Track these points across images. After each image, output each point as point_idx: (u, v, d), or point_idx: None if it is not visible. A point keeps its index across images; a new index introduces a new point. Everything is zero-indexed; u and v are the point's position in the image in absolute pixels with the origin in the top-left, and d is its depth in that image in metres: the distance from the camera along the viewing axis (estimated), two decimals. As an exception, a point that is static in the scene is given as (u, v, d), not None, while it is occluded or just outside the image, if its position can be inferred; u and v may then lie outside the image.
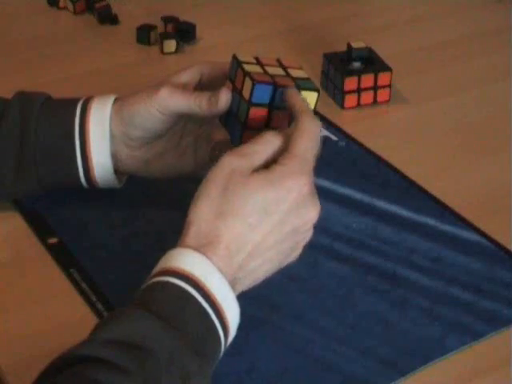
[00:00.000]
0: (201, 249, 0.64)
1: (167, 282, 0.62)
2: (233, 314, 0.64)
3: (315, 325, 0.73)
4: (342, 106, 1.05)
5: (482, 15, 1.31)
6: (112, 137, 0.79)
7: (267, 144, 0.68)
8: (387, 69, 1.05)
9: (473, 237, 0.84)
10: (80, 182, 0.81)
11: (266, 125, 0.73)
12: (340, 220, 0.85)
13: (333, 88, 1.06)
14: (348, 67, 1.05)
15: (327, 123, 1.01)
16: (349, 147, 0.98)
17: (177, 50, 1.17)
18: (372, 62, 1.06)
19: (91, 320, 0.72)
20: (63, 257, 0.80)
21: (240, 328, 0.65)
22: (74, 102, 0.81)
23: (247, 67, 0.73)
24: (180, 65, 1.11)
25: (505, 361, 0.71)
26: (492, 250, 0.83)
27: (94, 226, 0.84)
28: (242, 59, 0.75)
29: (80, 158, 0.80)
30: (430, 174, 0.93)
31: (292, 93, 0.71)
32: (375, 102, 1.05)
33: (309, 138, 0.68)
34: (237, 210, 0.65)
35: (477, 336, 0.73)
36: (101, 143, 0.79)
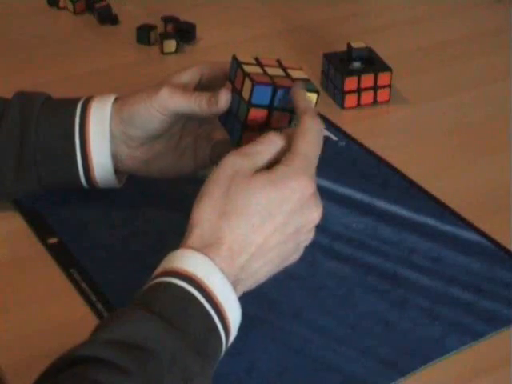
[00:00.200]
0: (204, 250, 0.64)
1: (169, 283, 0.62)
2: (234, 314, 0.64)
3: (315, 324, 0.73)
4: (342, 106, 1.05)
5: (482, 15, 1.31)
6: (112, 137, 0.79)
7: (270, 144, 0.68)
8: (387, 69, 1.05)
9: (473, 237, 0.84)
10: (80, 181, 0.81)
11: (266, 125, 0.73)
12: (340, 220, 0.85)
13: (333, 88, 1.06)
14: (348, 67, 1.05)
15: (327, 123, 1.01)
16: (349, 147, 0.98)
17: (177, 50, 1.17)
18: (372, 62, 1.06)
19: (91, 320, 0.72)
20: (63, 257, 0.80)
21: (240, 328, 0.65)
22: (74, 101, 0.81)
23: (247, 68, 0.73)
24: (180, 65, 1.12)
25: (505, 361, 0.71)
26: (492, 250, 0.83)
27: (94, 226, 0.84)
28: (242, 60, 0.75)
29: (80, 158, 0.80)
30: (430, 174, 0.93)
31: (296, 91, 0.71)
32: (375, 101, 1.05)
33: (311, 138, 0.68)
34: (240, 211, 0.65)
35: (477, 336, 0.73)
36: (101, 143, 0.79)
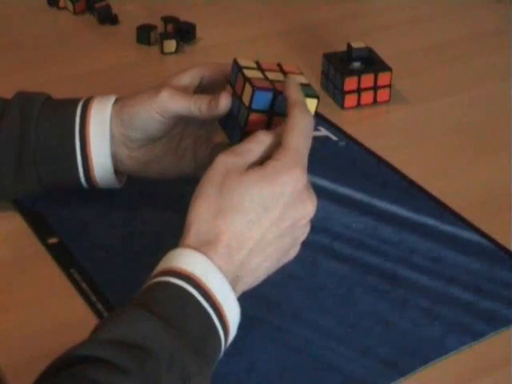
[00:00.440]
0: (201, 248, 0.64)
1: (168, 282, 0.62)
2: (233, 314, 0.64)
3: (315, 324, 0.73)
4: (342, 106, 1.05)
5: (481, 15, 1.31)
6: (112, 137, 0.79)
7: (260, 143, 0.68)
8: (387, 69, 1.05)
9: (473, 237, 0.84)
10: (80, 182, 0.81)
11: (266, 130, 0.73)
12: (340, 220, 0.85)
13: (333, 88, 1.06)
14: (348, 67, 1.05)
15: (327, 123, 1.01)
16: (349, 147, 0.98)
17: (177, 50, 1.17)
18: (372, 62, 1.06)
19: (91, 320, 0.72)
20: (63, 257, 0.80)
21: (239, 327, 0.65)
22: (75, 102, 0.81)
23: (247, 72, 0.73)
24: (180, 65, 1.12)
25: (505, 361, 0.71)
26: (492, 250, 0.82)
27: (94, 226, 0.84)
28: (243, 64, 0.74)
29: (80, 158, 0.80)
30: (430, 174, 0.93)
31: (289, 82, 0.71)
32: (375, 101, 1.05)
33: (301, 131, 0.68)
34: (235, 208, 0.65)
35: (477, 336, 0.73)
36: (101, 144, 0.79)
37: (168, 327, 0.60)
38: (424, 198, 0.89)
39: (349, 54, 1.06)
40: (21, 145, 0.80)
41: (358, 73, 1.04)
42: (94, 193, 0.84)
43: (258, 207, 0.65)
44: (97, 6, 1.24)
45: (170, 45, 1.16)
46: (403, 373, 0.69)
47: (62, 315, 0.74)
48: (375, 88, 1.05)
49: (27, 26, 1.24)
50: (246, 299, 0.66)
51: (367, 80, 1.04)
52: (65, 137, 0.80)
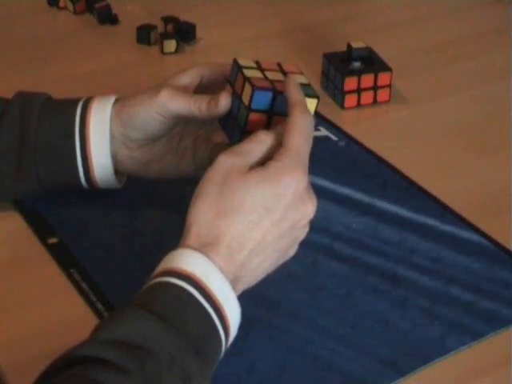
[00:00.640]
0: (202, 249, 0.64)
1: (168, 283, 0.62)
2: (234, 314, 0.64)
3: (315, 324, 0.73)
4: (342, 106, 1.05)
5: (481, 15, 1.31)
6: (112, 137, 0.79)
7: (261, 143, 0.68)
8: (387, 69, 1.05)
9: (473, 237, 0.84)
10: (80, 182, 0.81)
11: (265, 129, 0.73)
12: (340, 220, 0.85)
13: (333, 88, 1.06)
14: (348, 67, 1.05)
15: (327, 123, 1.01)
16: (349, 147, 0.98)
17: (177, 50, 1.17)
18: (372, 62, 1.06)
19: (91, 320, 0.72)
20: (63, 257, 0.80)
21: (239, 328, 0.65)
22: (75, 102, 0.81)
23: (247, 72, 0.73)
24: (180, 65, 1.12)
25: (505, 361, 0.71)
26: (492, 250, 0.82)
27: (94, 226, 0.84)
28: (243, 63, 0.74)
29: (80, 159, 0.80)
30: (430, 174, 0.93)
31: (289, 82, 0.71)
32: (375, 101, 1.05)
33: (301, 132, 0.68)
34: (236, 208, 0.65)
35: (477, 336, 0.73)
36: (101, 144, 0.79)
37: (169, 327, 0.60)
38: (424, 197, 0.89)
39: (349, 54, 1.06)
40: (21, 145, 0.80)
41: (358, 73, 1.04)
42: (94, 193, 0.84)
43: (259, 208, 0.65)
44: (97, 5, 1.24)
45: (170, 45, 1.16)
46: (403, 373, 0.69)
47: (62, 315, 0.74)
48: (375, 88, 1.05)
49: (27, 26, 1.24)
50: (246, 299, 0.66)
51: (367, 80, 1.04)
52: (65, 137, 0.79)
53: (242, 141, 0.72)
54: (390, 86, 1.05)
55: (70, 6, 1.27)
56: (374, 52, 1.07)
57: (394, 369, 0.70)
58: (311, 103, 0.72)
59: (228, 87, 0.75)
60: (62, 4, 1.28)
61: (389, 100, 1.06)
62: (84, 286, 0.76)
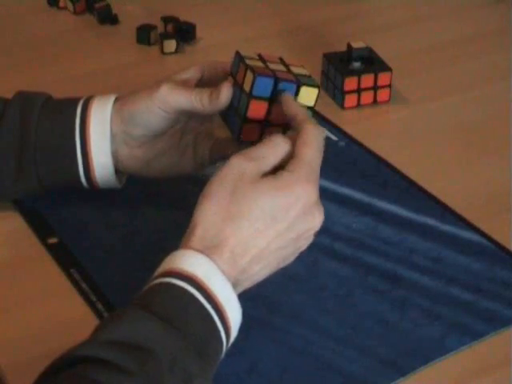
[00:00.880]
0: (206, 251, 0.64)
1: (169, 283, 0.62)
2: (235, 315, 0.64)
3: (315, 325, 0.73)
4: (342, 106, 1.05)
5: (481, 15, 1.31)
6: (112, 136, 0.79)
7: (275, 147, 0.68)
8: (387, 69, 1.05)
9: (473, 237, 0.84)
10: (80, 181, 0.81)
11: (266, 118, 0.73)
12: (340, 220, 0.85)
13: (333, 88, 1.06)
14: (348, 67, 1.05)
15: (327, 123, 1.01)
16: (349, 147, 0.98)
17: (177, 50, 1.17)
18: (372, 62, 1.06)
19: (91, 320, 0.72)
20: (63, 257, 0.80)
21: (240, 328, 0.65)
22: (75, 101, 0.81)
23: (249, 62, 0.74)
24: (180, 65, 1.12)
25: (505, 361, 0.71)
26: (492, 250, 0.82)
27: (94, 226, 0.84)
28: (245, 55, 0.75)
29: (80, 158, 0.80)
30: (430, 174, 0.93)
31: (289, 101, 0.71)
32: (375, 101, 1.05)
33: (314, 146, 0.68)
34: (245, 214, 0.65)
35: (477, 336, 0.73)
36: (101, 143, 0.79)
37: (170, 328, 0.60)
38: (424, 198, 0.89)
39: (349, 54, 1.06)
40: (21, 145, 0.80)
41: (358, 73, 1.04)
42: (93, 193, 0.84)
43: (266, 217, 0.65)
44: (97, 5, 1.24)
45: (170, 45, 1.16)
46: (403, 373, 0.69)
47: (62, 315, 0.74)
48: (375, 88, 1.05)
49: (27, 26, 1.24)
50: (247, 300, 0.66)
51: (367, 80, 1.04)
52: (65, 136, 0.79)
53: (242, 130, 0.73)
54: (390, 85, 1.05)
55: (69, 5, 1.27)
56: (374, 52, 1.07)
57: (394, 369, 0.70)
58: (312, 92, 0.73)
59: (230, 78, 0.76)
60: (62, 4, 1.28)
61: (389, 100, 1.06)
62: (84, 286, 0.76)
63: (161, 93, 0.76)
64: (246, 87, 0.72)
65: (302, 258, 0.70)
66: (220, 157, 0.80)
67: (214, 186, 0.66)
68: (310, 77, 0.74)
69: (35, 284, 0.77)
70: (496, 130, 1.02)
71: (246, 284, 0.67)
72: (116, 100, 0.80)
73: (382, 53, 1.08)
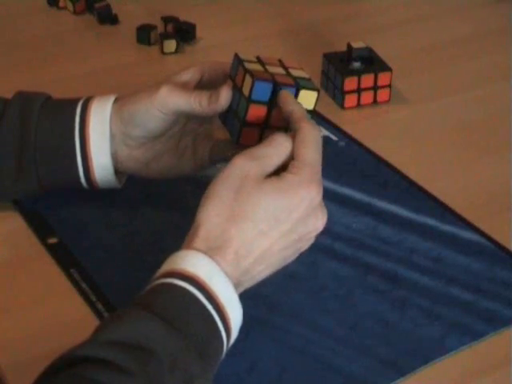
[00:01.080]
0: (209, 252, 0.64)
1: (171, 284, 0.62)
2: (236, 315, 0.64)
3: (315, 324, 0.73)
4: (342, 106, 1.05)
5: (481, 15, 1.31)
6: (112, 137, 0.79)
7: (278, 147, 0.67)
8: (387, 69, 1.05)
9: (473, 237, 0.84)
10: (80, 182, 0.81)
11: (265, 122, 0.73)
12: (340, 220, 0.85)
13: (333, 88, 1.06)
14: (348, 67, 1.05)
15: (327, 123, 1.01)
16: (349, 147, 0.98)
17: (177, 50, 1.17)
18: (372, 62, 1.06)
19: (91, 320, 0.72)
20: (63, 257, 0.80)
21: (240, 328, 0.65)
22: (75, 101, 0.81)
23: (248, 65, 0.74)
24: (180, 65, 1.12)
25: (505, 361, 0.71)
26: (492, 250, 0.82)
27: (94, 226, 0.84)
28: (244, 58, 0.75)
29: (80, 158, 0.80)
30: (430, 174, 0.93)
31: (287, 98, 0.71)
32: (375, 101, 1.05)
33: (313, 146, 0.68)
34: (248, 215, 0.65)
35: (477, 336, 0.73)
36: (101, 143, 0.79)
37: (171, 329, 0.59)
38: (424, 198, 0.89)
39: (349, 54, 1.06)
40: (21, 145, 0.80)
41: (358, 73, 1.04)
42: (94, 193, 0.84)
43: (270, 218, 0.65)
44: (97, 5, 1.24)
45: (170, 45, 1.16)
46: (403, 373, 0.69)
47: (62, 315, 0.74)
48: (375, 88, 1.05)
49: (27, 26, 1.24)
50: (247, 299, 0.66)
51: (367, 80, 1.04)
52: (64, 136, 0.79)
53: (242, 134, 0.72)
54: (389, 85, 1.05)
55: (69, 6, 1.27)
56: (374, 52, 1.07)
57: (394, 369, 0.70)
58: (312, 96, 0.73)
59: (229, 81, 0.76)
60: (61, 4, 1.28)
61: (389, 100, 1.06)
62: (84, 286, 0.76)
63: (160, 95, 0.76)
64: (245, 91, 0.72)
65: (301, 257, 0.70)
66: (220, 158, 0.80)
67: (218, 187, 0.66)
68: (309, 80, 0.74)
69: (35, 284, 0.77)
70: (496, 129, 1.02)
71: (247, 284, 0.67)
72: (116, 100, 0.80)
73: (382, 53, 1.08)
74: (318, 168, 0.68)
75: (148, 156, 0.81)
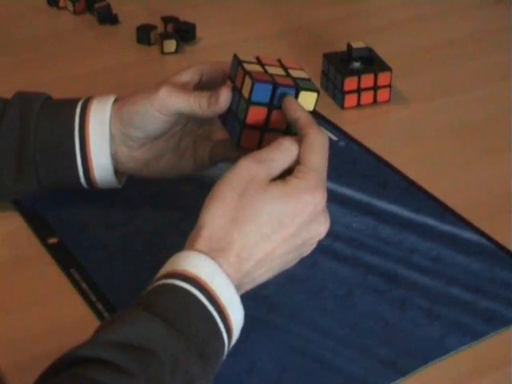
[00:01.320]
0: (211, 253, 0.64)
1: (173, 285, 0.62)
2: (237, 317, 0.64)
3: (315, 325, 0.73)
4: (342, 106, 1.05)
5: (481, 15, 1.31)
6: (112, 137, 0.79)
7: (284, 151, 0.67)
8: (387, 69, 1.05)
9: (473, 237, 0.84)
10: (80, 182, 0.81)
11: (265, 124, 0.73)
12: (340, 220, 0.85)
13: (333, 88, 1.06)
14: (348, 67, 1.05)
15: (327, 123, 1.01)
16: (349, 147, 0.98)
17: (177, 50, 1.17)
18: (372, 62, 1.06)
19: (91, 320, 0.72)
20: (63, 257, 0.80)
21: (241, 329, 0.65)
22: (74, 102, 0.81)
23: (248, 66, 0.73)
24: (180, 65, 1.12)
25: (505, 361, 0.71)
26: (492, 250, 0.82)
27: (94, 226, 0.84)
28: (243, 59, 0.75)
29: (80, 159, 0.80)
30: (430, 174, 0.93)
31: (292, 104, 0.71)
32: (375, 101, 1.05)
33: (320, 152, 0.68)
34: (252, 218, 0.65)
35: (477, 336, 0.73)
36: (101, 143, 0.79)
37: (172, 330, 0.59)
38: (424, 197, 0.89)
39: (349, 54, 1.06)
40: (21, 145, 0.80)
41: (358, 73, 1.04)
42: (93, 193, 0.84)
43: (274, 222, 0.65)
44: (97, 5, 1.24)
45: (170, 45, 1.16)
46: (403, 373, 0.69)
47: (62, 315, 0.74)
48: (375, 88, 1.05)
49: (27, 26, 1.24)
50: (248, 300, 0.66)
51: (367, 80, 1.04)
52: (64, 136, 0.79)
53: (242, 136, 0.72)
54: (389, 85, 1.05)
55: (69, 5, 1.27)
56: (374, 52, 1.07)
57: (394, 369, 0.70)
58: (311, 97, 0.72)
59: (228, 82, 0.75)
60: (61, 4, 1.28)
61: (389, 100, 1.06)
62: (84, 285, 0.76)
63: (159, 96, 0.76)
64: (245, 93, 0.72)
65: (302, 258, 0.70)
66: (220, 158, 0.80)
67: (222, 188, 0.66)
68: (309, 80, 0.74)
69: (35, 284, 0.77)
70: (496, 129, 1.01)
71: (248, 286, 0.67)
72: (115, 101, 0.80)
73: (382, 53, 1.08)
74: (324, 174, 0.68)
75: (148, 156, 0.81)
